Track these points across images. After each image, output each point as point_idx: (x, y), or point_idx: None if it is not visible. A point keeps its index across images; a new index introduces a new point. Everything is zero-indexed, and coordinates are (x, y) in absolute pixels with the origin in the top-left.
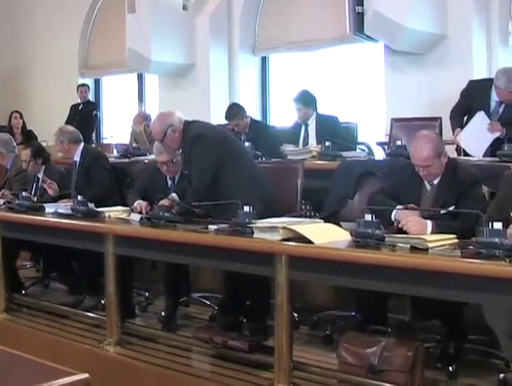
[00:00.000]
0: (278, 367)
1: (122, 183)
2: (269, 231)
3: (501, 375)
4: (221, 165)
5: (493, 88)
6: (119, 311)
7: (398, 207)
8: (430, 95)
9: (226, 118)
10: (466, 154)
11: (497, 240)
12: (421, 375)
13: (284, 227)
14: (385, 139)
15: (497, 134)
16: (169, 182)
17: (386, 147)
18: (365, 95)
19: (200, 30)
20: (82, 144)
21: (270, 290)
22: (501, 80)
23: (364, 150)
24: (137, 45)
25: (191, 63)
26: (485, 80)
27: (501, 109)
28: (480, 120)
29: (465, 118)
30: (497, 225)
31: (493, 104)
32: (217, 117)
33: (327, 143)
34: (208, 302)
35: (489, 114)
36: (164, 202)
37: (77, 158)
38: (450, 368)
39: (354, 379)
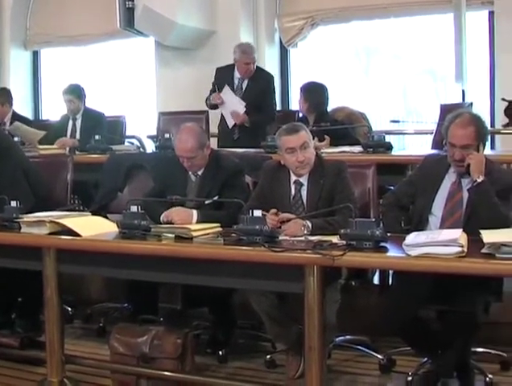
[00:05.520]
0: (50, 362)
1: None
2: (36, 225)
3: (268, 357)
4: None
5: (235, 66)
6: None
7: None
8: (199, 89)
9: None
10: None
11: (257, 226)
12: (191, 361)
13: (51, 221)
14: (156, 132)
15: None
16: None
17: (155, 140)
18: (137, 89)
19: None
20: None
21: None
22: (237, 53)
23: (133, 144)
24: None
25: None
26: (228, 65)
27: (244, 85)
28: (227, 92)
29: None
30: (257, 213)
31: (236, 82)
32: None
33: (96, 137)
34: None
35: (234, 91)
36: None
37: None
38: (220, 353)
39: (126, 368)
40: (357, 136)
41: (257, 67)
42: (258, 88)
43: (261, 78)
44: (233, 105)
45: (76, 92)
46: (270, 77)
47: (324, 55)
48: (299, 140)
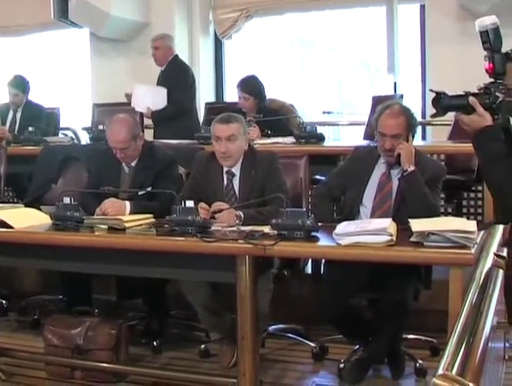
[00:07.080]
0: None
1: None
2: None
3: (203, 346)
4: None
5: None
6: None
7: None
8: (134, 80)
9: None
10: None
11: (189, 217)
12: (125, 352)
13: None
14: (90, 124)
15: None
16: None
17: (90, 132)
18: (72, 81)
19: None
20: None
21: None
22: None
23: (67, 135)
24: None
25: None
26: None
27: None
28: (142, 90)
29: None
30: (190, 203)
31: None
32: None
33: (30, 128)
34: None
35: None
36: None
37: None
38: (154, 343)
39: (61, 360)
40: (290, 127)
41: (177, 58)
42: (168, 78)
43: (173, 68)
44: (149, 97)
45: (21, 86)
46: (182, 69)
47: (259, 47)
48: (228, 131)
